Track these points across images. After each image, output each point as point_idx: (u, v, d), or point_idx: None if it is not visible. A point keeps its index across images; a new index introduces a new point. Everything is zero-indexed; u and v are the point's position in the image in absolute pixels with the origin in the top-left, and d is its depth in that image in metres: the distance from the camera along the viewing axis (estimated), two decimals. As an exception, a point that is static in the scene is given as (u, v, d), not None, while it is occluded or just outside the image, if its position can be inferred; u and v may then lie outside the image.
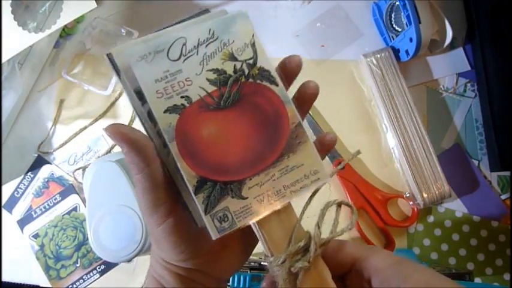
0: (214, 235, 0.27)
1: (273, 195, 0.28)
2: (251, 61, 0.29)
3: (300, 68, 0.31)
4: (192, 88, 0.27)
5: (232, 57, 0.28)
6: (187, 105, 0.27)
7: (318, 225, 0.28)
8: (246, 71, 0.28)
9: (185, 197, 0.28)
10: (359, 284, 0.29)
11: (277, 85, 0.29)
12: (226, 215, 0.27)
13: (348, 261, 0.30)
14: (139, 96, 0.27)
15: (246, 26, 0.29)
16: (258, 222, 0.28)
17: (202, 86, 0.27)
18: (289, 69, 0.30)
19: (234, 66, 0.28)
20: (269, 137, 0.28)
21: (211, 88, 0.28)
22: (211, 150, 0.27)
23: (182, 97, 0.27)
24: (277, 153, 0.28)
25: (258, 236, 0.29)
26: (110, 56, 0.27)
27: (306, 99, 0.31)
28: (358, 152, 0.33)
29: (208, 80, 0.28)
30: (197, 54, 0.28)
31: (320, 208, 0.30)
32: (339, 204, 0.30)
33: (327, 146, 0.31)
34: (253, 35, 0.29)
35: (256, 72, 0.29)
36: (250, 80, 0.28)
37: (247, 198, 0.28)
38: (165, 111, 0.27)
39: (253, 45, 0.29)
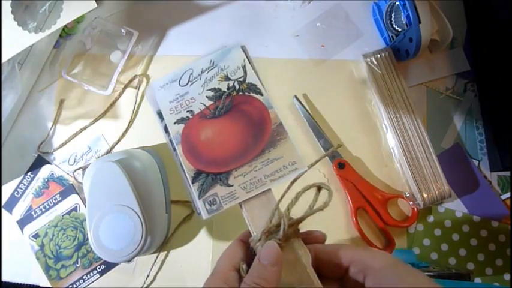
0: (205, 215, 0.34)
1: (254, 183, 0.34)
2: (241, 79, 0.37)
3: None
4: (195, 104, 0.36)
5: (227, 78, 0.37)
6: (190, 117, 0.36)
7: (288, 207, 0.32)
8: (237, 87, 0.36)
9: (187, 187, 0.34)
10: (355, 285, 0.30)
11: (262, 94, 0.36)
12: (215, 199, 0.34)
13: (344, 263, 0.31)
14: (160, 116, 0.36)
15: (238, 54, 0.37)
16: (242, 205, 0.34)
17: (202, 101, 0.36)
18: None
19: (228, 84, 0.36)
20: (253, 135, 0.35)
21: (209, 103, 0.36)
22: (206, 149, 0.35)
23: (187, 111, 0.36)
24: (260, 148, 0.35)
25: (244, 217, 0.34)
26: (146, 92, 0.38)
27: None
28: (339, 146, 0.42)
29: (207, 97, 0.36)
30: (200, 79, 0.37)
31: (310, 195, 0.33)
32: (318, 188, 0.33)
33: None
34: (244, 60, 0.37)
35: (245, 87, 0.36)
36: (240, 93, 0.36)
37: (232, 185, 0.34)
38: (174, 123, 0.36)
39: (244, 67, 0.37)
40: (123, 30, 0.58)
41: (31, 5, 0.53)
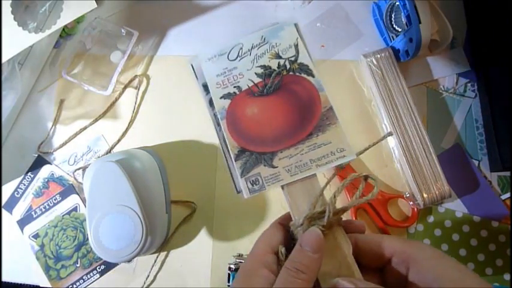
0: (246, 194, 0.33)
1: (299, 167, 0.33)
2: (293, 58, 0.35)
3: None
4: (243, 80, 0.35)
5: (278, 56, 0.35)
6: (237, 92, 0.35)
7: (334, 195, 0.31)
8: (288, 66, 0.35)
9: (229, 164, 0.34)
10: (397, 276, 0.30)
11: (313, 76, 0.35)
12: (258, 179, 0.33)
13: (386, 253, 0.31)
14: (205, 88, 0.35)
15: (291, 31, 0.36)
16: (284, 187, 0.33)
17: (251, 78, 0.35)
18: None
19: (278, 62, 0.35)
20: (301, 117, 0.34)
21: (257, 80, 0.35)
22: (251, 126, 0.34)
23: (235, 87, 0.35)
24: (308, 131, 0.34)
25: (286, 200, 0.33)
26: (191, 64, 0.36)
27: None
28: (390, 134, 0.38)
29: (256, 73, 0.35)
30: (250, 55, 0.36)
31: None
32: (365, 178, 0.32)
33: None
34: (297, 38, 0.36)
35: (296, 67, 0.35)
36: (291, 72, 0.35)
37: (277, 167, 0.33)
38: (220, 98, 0.35)
39: (296, 46, 0.36)
40: (123, 30, 0.58)
41: (31, 5, 0.53)
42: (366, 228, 0.34)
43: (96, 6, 0.50)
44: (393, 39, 0.58)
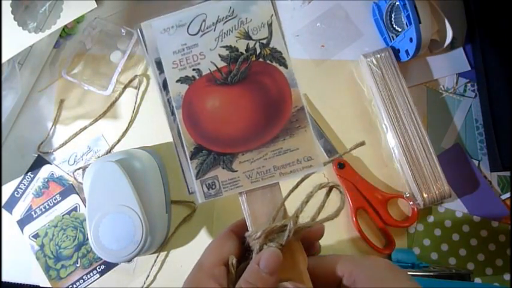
0: (201, 199, 0.29)
1: (261, 173, 0.29)
2: (265, 41, 0.30)
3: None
4: (204, 62, 0.29)
5: (247, 36, 0.30)
6: (197, 77, 0.29)
7: (297, 214, 0.28)
8: (258, 50, 0.30)
9: (182, 162, 0.30)
10: None
11: (286, 67, 0.30)
12: (215, 183, 0.29)
13: (339, 275, 0.29)
14: (158, 66, 0.30)
15: (266, 7, 0.30)
16: (243, 195, 0.30)
17: (213, 61, 0.29)
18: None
19: (247, 44, 0.30)
20: (269, 116, 0.29)
21: (221, 64, 0.29)
22: (211, 121, 0.29)
23: (194, 70, 0.29)
24: (274, 134, 0.29)
25: (243, 208, 0.30)
26: (140, 30, 0.30)
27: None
28: (362, 143, 0.33)
29: (220, 56, 0.30)
30: (214, 30, 0.30)
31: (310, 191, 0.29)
32: (330, 189, 0.29)
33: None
34: (271, 16, 0.30)
35: (267, 52, 0.30)
36: (261, 59, 0.30)
37: (236, 171, 0.29)
38: (177, 81, 0.29)
39: (270, 25, 0.30)
40: (123, 30, 0.58)
41: (31, 5, 0.53)
42: (324, 232, 0.32)
43: (96, 6, 0.50)
44: (393, 39, 0.58)
